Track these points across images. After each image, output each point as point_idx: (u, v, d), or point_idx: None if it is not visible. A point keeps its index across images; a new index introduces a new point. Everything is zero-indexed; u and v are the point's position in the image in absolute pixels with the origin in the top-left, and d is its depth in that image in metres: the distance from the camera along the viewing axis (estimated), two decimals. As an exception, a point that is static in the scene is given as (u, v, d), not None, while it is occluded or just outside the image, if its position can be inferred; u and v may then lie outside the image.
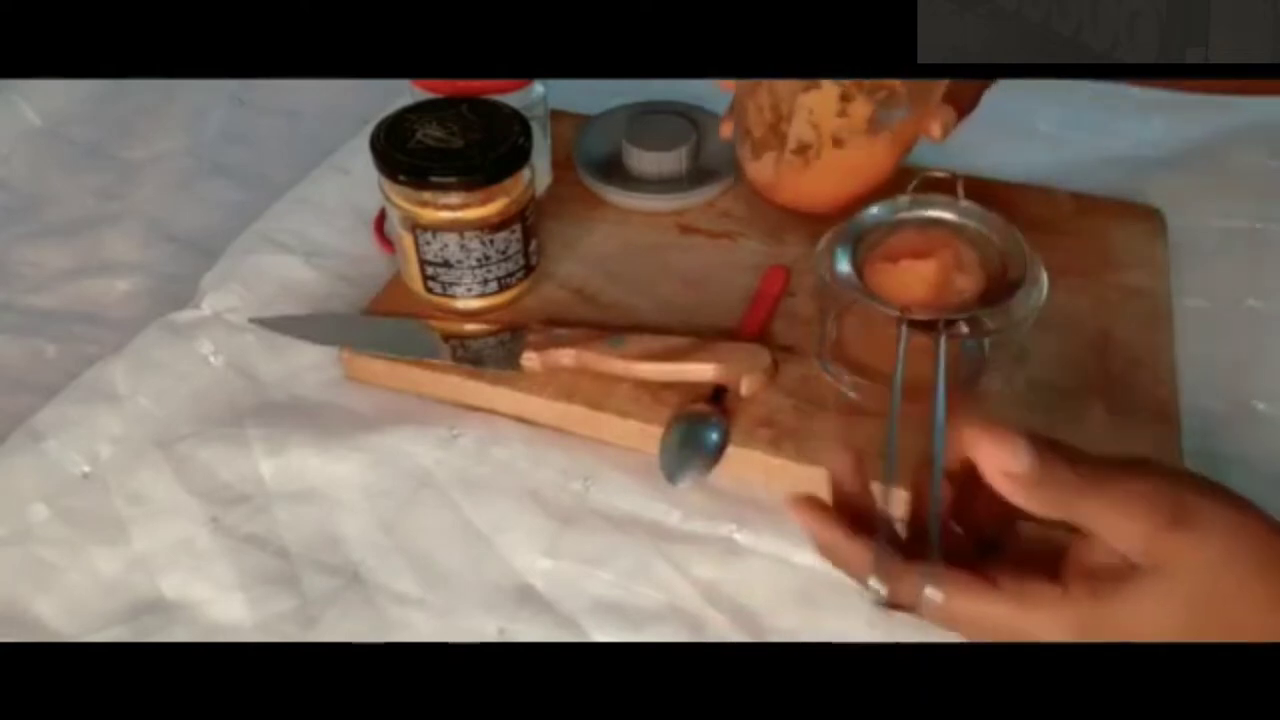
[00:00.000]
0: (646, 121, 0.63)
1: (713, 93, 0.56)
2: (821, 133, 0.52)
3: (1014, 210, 0.48)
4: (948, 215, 0.48)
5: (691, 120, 0.62)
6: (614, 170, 0.62)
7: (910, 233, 0.47)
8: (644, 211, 0.60)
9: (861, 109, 0.51)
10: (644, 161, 0.61)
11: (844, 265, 0.46)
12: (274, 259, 0.58)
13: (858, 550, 0.35)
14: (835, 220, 0.49)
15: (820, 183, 0.54)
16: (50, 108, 0.72)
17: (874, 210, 0.49)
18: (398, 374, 0.51)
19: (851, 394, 0.49)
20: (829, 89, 0.51)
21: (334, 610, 0.43)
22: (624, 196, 0.60)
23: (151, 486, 0.48)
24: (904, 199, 0.49)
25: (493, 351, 0.51)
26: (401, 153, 0.49)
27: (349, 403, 0.52)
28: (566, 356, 0.50)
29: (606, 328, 0.52)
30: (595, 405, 0.49)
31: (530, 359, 0.50)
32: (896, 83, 0.50)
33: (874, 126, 0.52)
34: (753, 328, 0.52)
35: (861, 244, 0.47)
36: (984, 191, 0.56)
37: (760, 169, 0.55)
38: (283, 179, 0.65)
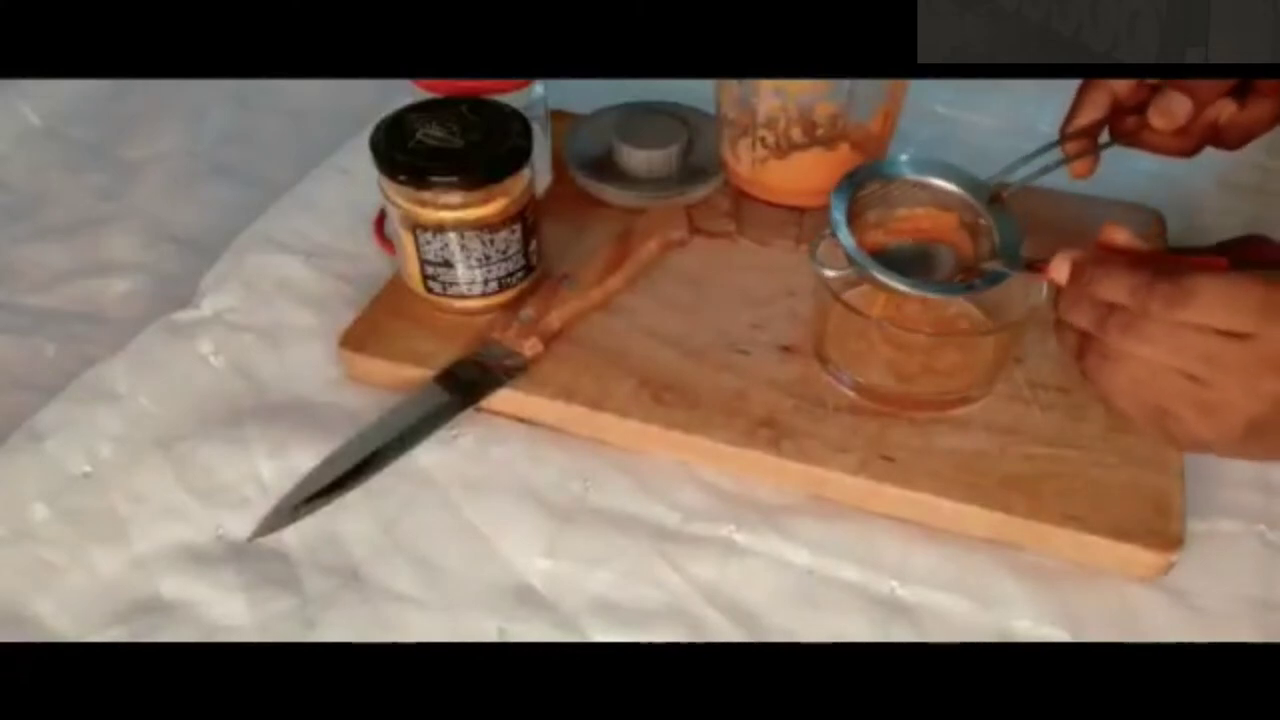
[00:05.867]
0: (638, 120, 0.63)
1: (707, 93, 0.56)
2: (789, 128, 0.52)
3: (1014, 210, 0.48)
4: (939, 182, 0.48)
5: (683, 120, 0.62)
6: (606, 169, 0.62)
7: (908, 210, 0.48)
8: (635, 209, 0.60)
9: (827, 106, 0.51)
10: (635, 160, 0.61)
11: (846, 237, 0.46)
12: (274, 259, 0.58)
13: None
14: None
15: (789, 177, 0.54)
16: (50, 108, 0.72)
17: (868, 178, 0.48)
18: (398, 374, 0.51)
19: (851, 393, 0.49)
20: (795, 85, 0.51)
21: (334, 610, 0.43)
22: (615, 194, 0.60)
23: (151, 486, 0.48)
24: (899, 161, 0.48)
25: (495, 362, 0.51)
26: (401, 153, 0.49)
27: (349, 403, 0.51)
28: (555, 320, 0.52)
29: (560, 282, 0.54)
30: (595, 405, 0.49)
31: (533, 345, 0.51)
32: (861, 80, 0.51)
33: (842, 123, 0.52)
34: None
35: (858, 210, 0.47)
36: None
37: (736, 160, 0.55)
38: (283, 179, 0.65)
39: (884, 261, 0.45)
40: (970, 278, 0.45)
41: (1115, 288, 0.38)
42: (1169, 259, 0.39)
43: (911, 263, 0.47)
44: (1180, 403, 0.38)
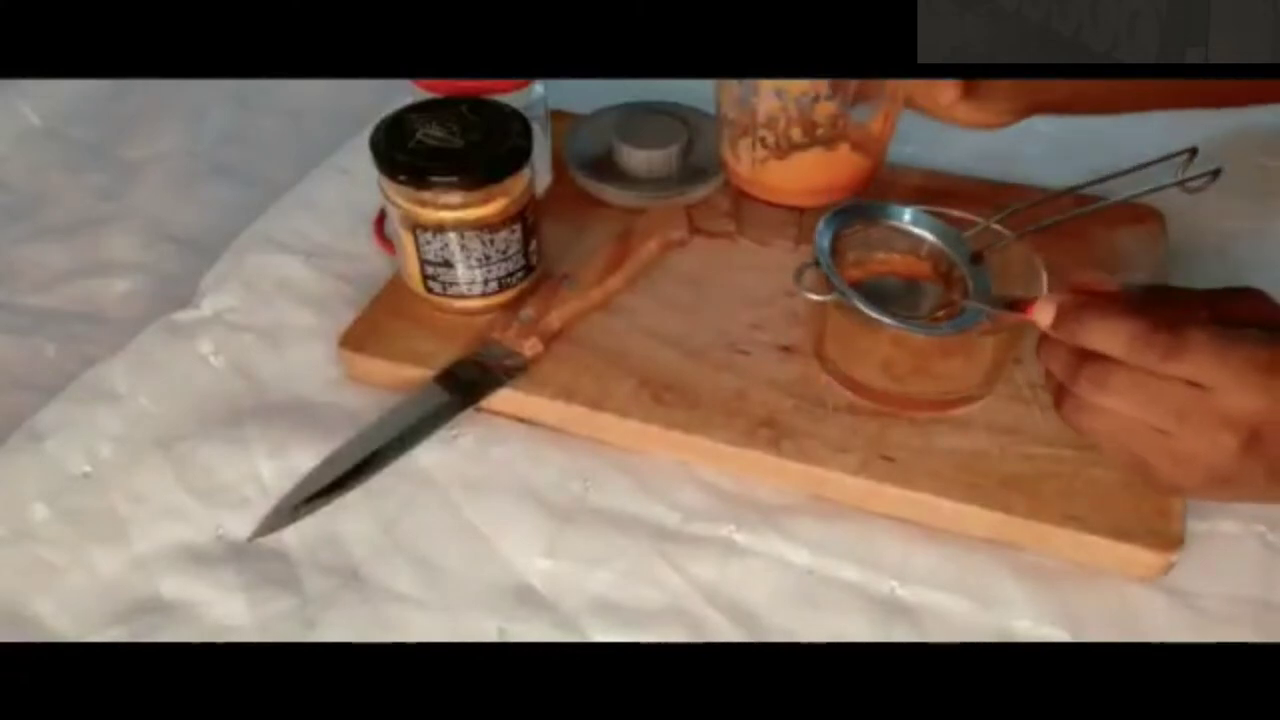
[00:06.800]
0: (638, 120, 0.63)
1: (707, 93, 0.56)
2: (789, 128, 0.52)
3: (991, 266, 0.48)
4: (920, 232, 0.48)
5: (683, 120, 0.62)
6: (606, 169, 0.62)
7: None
8: (635, 209, 0.60)
9: (827, 106, 0.51)
10: (635, 160, 0.61)
11: (830, 268, 0.46)
12: (274, 259, 0.58)
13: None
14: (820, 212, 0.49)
15: (789, 177, 0.54)
16: (50, 108, 0.72)
17: (853, 218, 0.48)
18: (398, 374, 0.51)
19: (851, 394, 0.49)
20: (795, 85, 0.50)
21: (334, 610, 0.43)
22: (615, 194, 0.60)
23: (151, 486, 0.48)
24: (892, 209, 0.49)
25: (495, 362, 0.51)
26: (401, 153, 0.49)
27: (349, 403, 0.51)
28: (555, 320, 0.52)
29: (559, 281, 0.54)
30: (595, 405, 0.49)
31: (533, 345, 0.51)
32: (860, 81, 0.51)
33: (842, 123, 0.52)
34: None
35: (840, 248, 0.48)
36: (984, 193, 0.56)
37: (736, 160, 0.55)
38: (283, 179, 0.65)
39: (868, 292, 0.45)
40: (952, 314, 0.46)
41: (1111, 337, 0.37)
42: (1152, 302, 0.38)
43: (896, 295, 0.47)
44: (1152, 453, 0.38)
